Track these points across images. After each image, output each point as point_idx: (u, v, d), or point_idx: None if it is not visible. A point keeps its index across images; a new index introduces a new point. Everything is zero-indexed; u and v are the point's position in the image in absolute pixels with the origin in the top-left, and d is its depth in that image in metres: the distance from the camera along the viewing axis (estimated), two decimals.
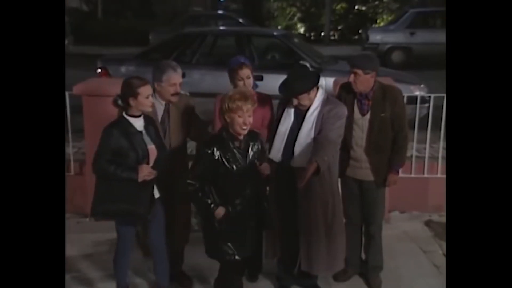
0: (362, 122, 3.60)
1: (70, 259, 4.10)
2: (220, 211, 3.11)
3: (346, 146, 3.61)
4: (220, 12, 21.58)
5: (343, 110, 3.43)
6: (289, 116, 3.46)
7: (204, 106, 4.41)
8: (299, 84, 3.32)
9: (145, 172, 3.16)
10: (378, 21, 24.32)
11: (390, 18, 21.79)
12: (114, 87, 4.59)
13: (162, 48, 8.21)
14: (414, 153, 5.20)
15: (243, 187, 3.15)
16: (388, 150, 3.64)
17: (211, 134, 3.46)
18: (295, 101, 3.36)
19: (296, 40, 8.67)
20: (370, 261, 3.92)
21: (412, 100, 5.42)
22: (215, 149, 3.06)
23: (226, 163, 3.06)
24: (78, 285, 3.88)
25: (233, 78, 3.65)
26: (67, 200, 3.81)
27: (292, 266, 3.66)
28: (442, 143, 5.25)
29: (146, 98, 3.18)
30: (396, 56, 14.85)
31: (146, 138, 3.24)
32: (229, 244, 3.16)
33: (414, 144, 5.13)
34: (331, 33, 24.01)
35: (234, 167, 3.08)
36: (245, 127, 3.04)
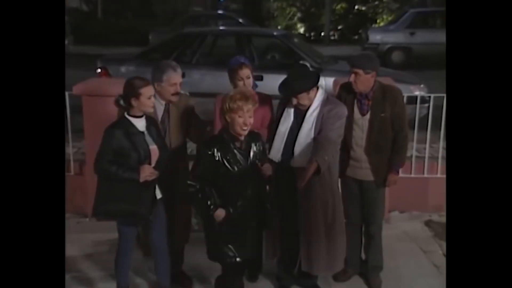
0: (362, 122, 3.60)
1: (70, 259, 4.10)
2: (220, 213, 3.11)
3: (346, 146, 3.61)
4: (220, 12, 21.57)
5: (343, 110, 3.43)
6: (289, 116, 3.46)
7: (204, 106, 4.41)
8: (299, 83, 3.32)
9: (147, 173, 3.16)
10: (378, 21, 24.32)
11: (390, 18, 21.80)
12: (114, 87, 4.61)
13: (162, 48, 8.21)
14: (414, 153, 5.20)
15: (244, 188, 3.14)
16: (388, 150, 3.64)
17: (211, 135, 3.46)
18: (294, 101, 3.36)
19: (296, 40, 8.67)
20: (370, 261, 3.92)
21: (412, 100, 5.42)
22: (215, 150, 3.05)
23: (226, 164, 3.06)
24: (78, 285, 3.88)
25: (233, 78, 3.65)
26: (67, 200, 3.81)
27: (292, 266, 3.66)
28: (442, 143, 5.25)
29: (148, 98, 3.18)
30: (396, 56, 14.85)
31: (148, 138, 3.24)
32: (230, 246, 3.15)
33: (414, 144, 5.13)
34: (331, 33, 24.01)
35: (235, 168, 3.07)
36: (245, 128, 3.03)
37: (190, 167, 3.52)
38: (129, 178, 3.14)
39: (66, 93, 4.73)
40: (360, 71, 3.46)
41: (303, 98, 3.35)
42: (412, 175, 5.16)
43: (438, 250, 4.48)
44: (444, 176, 4.57)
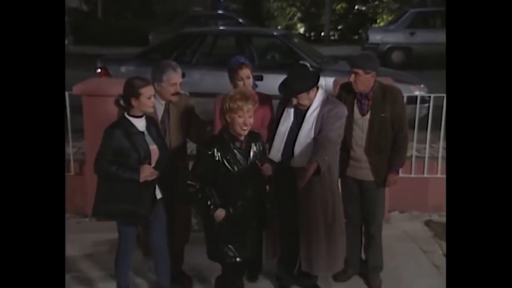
0: (362, 122, 3.60)
1: (70, 259, 4.10)
2: (220, 213, 3.10)
3: (346, 146, 3.61)
4: (220, 12, 21.57)
5: (343, 110, 3.43)
6: (289, 116, 3.46)
7: (204, 106, 4.41)
8: (299, 83, 3.32)
9: (147, 173, 3.16)
10: (378, 21, 24.32)
11: (390, 18, 21.80)
12: (114, 87, 4.61)
13: (162, 48, 8.21)
14: (414, 153, 5.20)
15: (244, 188, 3.14)
16: (388, 150, 3.64)
17: (211, 135, 3.45)
18: (294, 101, 3.36)
19: (296, 40, 8.67)
20: (370, 261, 3.92)
21: (412, 100, 5.42)
22: (215, 150, 3.05)
23: (226, 164, 3.06)
24: (78, 285, 3.88)
25: (233, 78, 3.65)
26: (67, 200, 3.81)
27: (292, 266, 3.66)
28: (442, 143, 5.25)
29: (148, 98, 3.18)
30: (396, 56, 14.85)
31: (148, 138, 3.24)
32: (230, 246, 3.15)
33: (414, 144, 5.13)
34: (331, 33, 24.01)
35: (235, 168, 3.07)
36: (245, 128, 3.03)
37: (190, 167, 3.52)
38: (129, 178, 3.14)
39: (66, 93, 4.73)
40: (360, 71, 3.46)
41: (303, 98, 3.35)
42: (412, 175, 5.16)
43: (438, 250, 4.48)
44: (444, 176, 4.57)
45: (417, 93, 6.32)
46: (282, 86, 3.39)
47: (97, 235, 4.54)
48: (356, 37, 22.17)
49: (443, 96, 4.43)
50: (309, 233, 3.48)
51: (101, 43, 18.97)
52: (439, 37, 10.88)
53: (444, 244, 4.40)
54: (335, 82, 4.78)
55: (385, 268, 3.97)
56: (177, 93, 3.50)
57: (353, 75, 3.50)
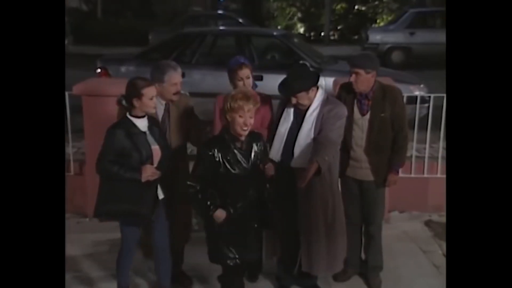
0: (362, 122, 3.60)
1: (70, 259, 4.09)
2: (220, 214, 3.08)
3: (346, 146, 3.61)
4: (220, 12, 21.56)
5: (343, 110, 3.43)
6: (288, 116, 3.46)
7: (204, 106, 4.41)
8: (298, 83, 3.32)
9: (149, 173, 3.15)
10: (378, 21, 24.31)
11: (390, 18, 21.79)
12: (114, 87, 4.62)
13: (162, 48, 8.21)
14: (414, 153, 5.20)
15: (245, 189, 3.12)
16: (388, 150, 3.64)
17: (212, 135, 3.45)
18: (294, 100, 3.36)
19: (296, 40, 8.67)
20: (370, 261, 3.92)
21: (412, 100, 5.42)
22: (216, 150, 3.04)
23: (227, 164, 3.04)
24: (78, 285, 3.88)
25: (233, 78, 3.65)
26: (67, 200, 3.81)
27: (292, 266, 3.66)
28: (442, 143, 5.25)
29: (150, 99, 3.18)
30: (396, 56, 14.84)
31: (150, 138, 3.24)
32: (231, 248, 3.14)
33: (414, 144, 5.13)
34: (331, 33, 24.00)
35: (236, 168, 3.05)
36: (245, 128, 3.01)
37: (190, 167, 3.52)
38: (131, 178, 3.13)
39: (66, 93, 4.73)
40: (361, 71, 3.46)
41: (303, 98, 3.34)
42: (412, 175, 5.16)
43: (438, 250, 4.48)
44: (444, 176, 4.58)
45: (417, 93, 6.32)
46: (282, 85, 3.39)
47: (97, 235, 4.54)
48: (356, 37, 22.16)
49: (443, 96, 4.43)
50: (309, 233, 3.48)
51: (101, 43, 18.96)
52: (439, 37, 10.89)
53: (444, 244, 4.40)
54: (335, 82, 4.78)
55: (385, 268, 3.97)
56: (178, 92, 3.51)
57: (353, 75, 3.50)
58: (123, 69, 7.49)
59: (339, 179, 3.67)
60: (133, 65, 7.46)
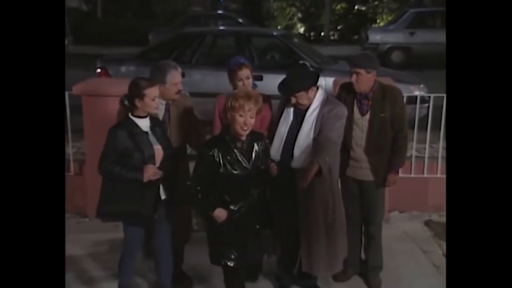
0: (362, 122, 3.60)
1: (70, 259, 4.09)
2: (220, 213, 3.07)
3: (346, 146, 3.61)
4: (219, 12, 21.55)
5: (343, 110, 3.42)
6: (288, 116, 3.46)
7: (204, 106, 4.41)
8: (297, 83, 3.32)
9: (150, 172, 3.15)
10: (377, 21, 24.32)
11: (389, 18, 21.79)
12: (114, 87, 4.62)
13: (161, 48, 8.21)
14: (414, 153, 5.20)
15: (246, 189, 3.11)
16: (388, 150, 3.64)
17: (212, 135, 3.44)
18: (293, 100, 3.36)
19: (295, 40, 8.67)
20: (370, 261, 3.92)
21: (412, 100, 5.42)
22: (215, 150, 3.03)
23: (227, 164, 3.03)
24: (78, 285, 3.88)
25: (233, 78, 3.64)
26: (67, 200, 3.81)
27: (292, 266, 3.66)
28: (442, 143, 5.25)
29: (152, 100, 3.17)
30: (396, 56, 14.85)
31: (152, 138, 3.23)
32: (232, 249, 3.13)
33: (414, 144, 5.13)
34: (331, 33, 24.01)
35: (236, 168, 3.04)
36: (245, 128, 3.00)
37: (190, 167, 3.52)
38: (133, 178, 3.13)
39: (66, 93, 4.73)
40: (362, 71, 3.47)
41: (302, 98, 3.34)
42: (412, 175, 5.16)
43: (438, 250, 4.48)
44: (444, 176, 4.58)
45: (417, 93, 6.32)
46: (281, 85, 3.39)
47: (97, 235, 4.54)
48: (356, 37, 22.17)
49: (443, 96, 4.43)
50: (309, 233, 3.48)
51: (101, 43, 18.97)
52: (439, 37, 10.90)
53: (444, 244, 4.40)
54: (335, 82, 4.78)
55: (385, 268, 3.97)
56: (179, 91, 3.51)
57: (354, 75, 3.50)
58: (123, 69, 7.49)
59: (339, 179, 3.67)
60: (133, 65, 7.46)
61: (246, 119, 2.98)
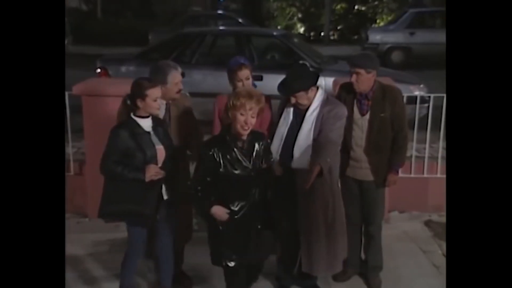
0: (362, 122, 3.60)
1: (70, 259, 4.09)
2: (219, 211, 3.06)
3: (346, 146, 3.61)
4: (219, 12, 21.54)
5: (343, 111, 3.42)
6: (288, 116, 3.46)
7: (204, 106, 4.41)
8: (297, 83, 3.32)
9: (152, 172, 3.14)
10: (377, 21, 24.32)
11: (389, 18, 21.79)
12: (114, 87, 4.63)
13: (161, 48, 8.22)
14: (414, 153, 5.20)
15: (246, 189, 3.10)
16: (388, 150, 3.64)
17: (212, 135, 3.44)
18: (293, 100, 3.36)
19: (295, 40, 8.68)
20: (370, 261, 3.92)
21: (412, 100, 5.43)
22: (216, 150, 3.02)
23: (227, 164, 3.02)
24: (79, 285, 3.88)
25: (232, 79, 3.64)
26: (67, 200, 3.80)
27: (292, 266, 3.66)
28: (441, 143, 5.25)
29: (154, 100, 3.17)
30: (396, 56, 14.85)
31: (154, 138, 3.23)
32: (233, 250, 3.12)
33: (414, 144, 5.14)
34: (331, 33, 24.01)
35: (236, 168, 3.03)
36: (246, 127, 2.98)
37: (190, 167, 3.52)
38: (135, 178, 3.12)
39: (66, 93, 4.73)
40: (362, 71, 3.46)
41: (302, 98, 3.34)
42: (412, 175, 5.16)
43: (438, 250, 4.48)
44: (444, 176, 4.58)
45: (417, 93, 6.32)
46: (281, 85, 3.39)
47: (97, 235, 4.54)
48: (356, 37, 22.17)
49: (443, 96, 4.43)
50: (309, 233, 3.48)
51: (100, 43, 18.96)
52: (439, 37, 10.90)
53: (443, 244, 4.40)
54: (335, 82, 4.78)
55: (385, 268, 3.97)
56: (180, 91, 3.52)
57: (354, 75, 3.50)
58: (123, 69, 7.50)
59: (339, 179, 3.67)
60: (133, 65, 7.46)
61: (247, 118, 2.96)
